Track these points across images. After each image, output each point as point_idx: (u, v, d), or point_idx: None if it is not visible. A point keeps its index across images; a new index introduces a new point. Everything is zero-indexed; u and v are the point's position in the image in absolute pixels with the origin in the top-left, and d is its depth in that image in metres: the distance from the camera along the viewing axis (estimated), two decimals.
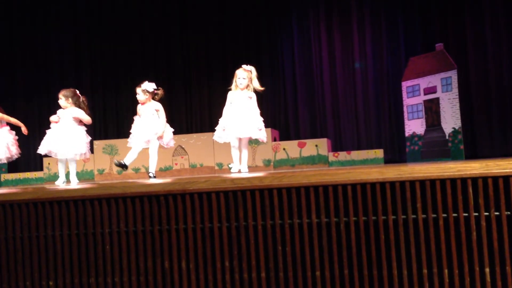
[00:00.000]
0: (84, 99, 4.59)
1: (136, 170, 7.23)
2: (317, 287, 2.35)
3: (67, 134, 4.40)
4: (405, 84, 6.99)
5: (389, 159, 7.74)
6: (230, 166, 4.53)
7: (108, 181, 5.38)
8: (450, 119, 6.35)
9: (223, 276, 2.43)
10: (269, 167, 7.15)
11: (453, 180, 2.27)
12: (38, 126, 8.08)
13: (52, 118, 4.55)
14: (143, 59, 8.90)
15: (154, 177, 4.41)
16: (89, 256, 2.53)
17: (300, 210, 2.39)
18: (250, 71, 4.30)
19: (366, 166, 4.67)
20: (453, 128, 6.31)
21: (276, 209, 2.40)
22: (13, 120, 5.10)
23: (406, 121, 7.00)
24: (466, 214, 2.27)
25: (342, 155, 7.20)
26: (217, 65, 8.65)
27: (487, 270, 2.24)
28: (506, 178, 2.23)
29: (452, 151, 6.32)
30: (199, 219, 2.46)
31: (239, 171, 4.25)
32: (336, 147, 8.08)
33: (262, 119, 4.31)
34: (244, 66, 4.32)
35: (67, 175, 4.54)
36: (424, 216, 2.30)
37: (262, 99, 7.22)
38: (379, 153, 7.14)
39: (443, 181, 2.28)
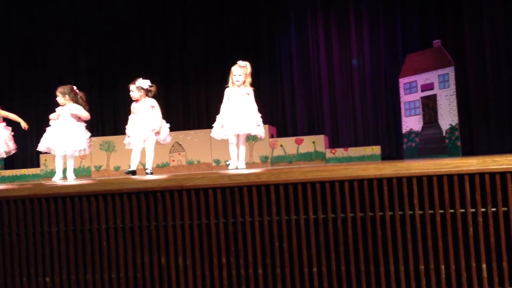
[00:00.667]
0: (82, 95, 4.57)
1: None
2: (314, 283, 2.36)
3: (66, 130, 4.38)
4: (402, 81, 6.98)
5: (386, 156, 7.74)
6: (227, 162, 4.52)
7: (105, 177, 5.37)
8: (448, 116, 6.35)
9: (220, 272, 2.43)
10: (266, 163, 7.14)
11: (450, 176, 2.27)
12: (35, 124, 8.05)
13: (52, 116, 4.53)
14: (141, 55, 8.87)
15: (151, 173, 4.41)
16: (86, 252, 2.52)
17: (297, 206, 2.39)
18: (246, 67, 4.27)
19: (363, 163, 4.67)
20: (450, 124, 6.31)
21: (273, 205, 2.40)
22: (12, 116, 5.08)
23: (403, 118, 6.99)
24: (463, 210, 2.28)
25: (339, 152, 7.20)
26: (214, 63, 8.61)
27: (484, 266, 2.25)
28: (503, 174, 2.24)
29: (449, 148, 6.32)
30: (196, 215, 2.46)
31: (237, 168, 4.24)
32: (333, 144, 8.07)
33: (260, 115, 4.30)
34: (239, 62, 4.28)
35: (64, 171, 4.52)
36: (421, 212, 2.30)
37: (260, 95, 7.22)
38: (376, 149, 7.14)
39: (440, 177, 2.28)
